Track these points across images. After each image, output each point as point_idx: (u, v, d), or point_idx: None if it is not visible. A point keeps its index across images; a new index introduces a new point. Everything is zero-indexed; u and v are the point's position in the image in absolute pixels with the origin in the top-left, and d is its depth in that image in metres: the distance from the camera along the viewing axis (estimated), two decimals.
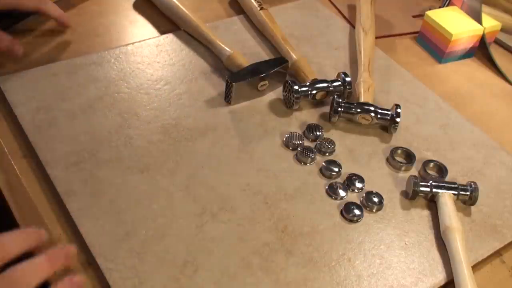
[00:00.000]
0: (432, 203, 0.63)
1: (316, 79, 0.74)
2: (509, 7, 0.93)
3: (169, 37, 0.82)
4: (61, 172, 0.60)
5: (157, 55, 0.78)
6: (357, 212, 0.60)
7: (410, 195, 0.62)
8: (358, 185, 0.63)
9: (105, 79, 0.72)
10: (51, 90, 0.70)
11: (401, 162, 0.67)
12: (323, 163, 0.65)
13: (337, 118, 0.70)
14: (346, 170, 0.65)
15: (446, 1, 0.93)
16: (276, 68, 0.73)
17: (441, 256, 0.57)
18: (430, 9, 0.91)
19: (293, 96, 0.70)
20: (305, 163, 0.65)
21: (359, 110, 0.70)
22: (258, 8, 0.85)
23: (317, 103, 0.74)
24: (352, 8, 0.94)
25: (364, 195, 0.62)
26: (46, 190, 0.59)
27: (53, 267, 0.48)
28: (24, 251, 0.48)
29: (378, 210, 0.61)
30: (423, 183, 0.62)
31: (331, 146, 0.67)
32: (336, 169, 0.64)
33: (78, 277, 0.48)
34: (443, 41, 0.85)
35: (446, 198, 0.61)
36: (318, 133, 0.69)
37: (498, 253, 0.60)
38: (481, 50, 0.88)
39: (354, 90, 0.74)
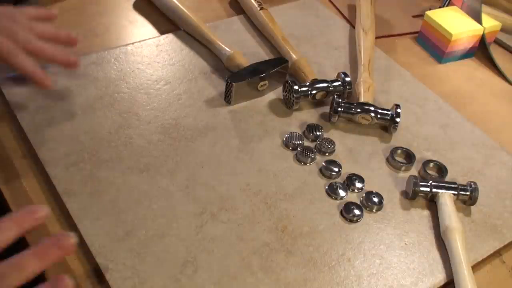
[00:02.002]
0: (432, 203, 0.63)
1: (316, 79, 0.74)
2: (509, 7, 0.93)
3: (169, 37, 0.82)
4: (61, 172, 0.60)
5: (157, 55, 0.78)
6: (357, 212, 0.60)
7: (410, 195, 0.62)
8: (358, 185, 0.63)
9: (105, 79, 0.72)
10: (51, 90, 0.70)
11: (401, 162, 0.67)
12: (323, 163, 0.65)
13: (337, 118, 0.70)
14: (346, 170, 0.65)
15: (446, 1, 0.93)
16: (276, 68, 0.73)
17: (441, 256, 0.57)
18: (430, 9, 0.91)
19: (293, 96, 0.70)
20: (305, 163, 0.65)
21: (359, 110, 0.70)
22: (258, 8, 0.85)
23: (317, 103, 0.74)
24: (352, 8, 0.94)
25: (364, 195, 0.62)
26: (46, 190, 0.59)
27: (43, 264, 0.43)
28: (17, 237, 0.44)
29: (378, 210, 0.61)
30: (423, 183, 0.62)
31: (331, 146, 0.67)
32: (336, 169, 0.64)
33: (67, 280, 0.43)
34: (443, 41, 0.85)
35: (446, 198, 0.61)
36: (318, 133, 0.69)
37: (498, 253, 0.60)
38: (481, 50, 0.88)
39: (354, 90, 0.74)
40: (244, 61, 0.75)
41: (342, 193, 0.62)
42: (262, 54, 0.82)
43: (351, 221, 0.60)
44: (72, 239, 0.44)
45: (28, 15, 0.67)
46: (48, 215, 0.46)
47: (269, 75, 0.72)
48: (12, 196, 0.58)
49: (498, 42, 0.91)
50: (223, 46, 0.77)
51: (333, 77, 0.75)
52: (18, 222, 0.44)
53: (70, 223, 0.56)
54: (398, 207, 0.62)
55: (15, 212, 0.45)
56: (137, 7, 0.89)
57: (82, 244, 0.54)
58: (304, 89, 0.71)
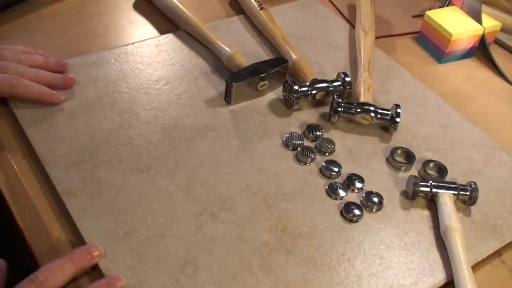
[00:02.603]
0: (432, 203, 0.63)
1: (316, 79, 0.74)
2: (509, 7, 0.93)
3: (169, 37, 0.82)
4: (61, 172, 0.60)
5: (157, 55, 0.78)
6: (357, 212, 0.60)
7: (410, 195, 0.62)
8: (358, 185, 0.63)
9: (105, 79, 0.72)
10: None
11: (401, 162, 0.67)
12: (323, 163, 0.65)
13: (337, 118, 0.70)
14: (346, 170, 0.65)
15: (446, 1, 0.93)
16: (276, 68, 0.73)
17: (441, 256, 0.57)
18: (430, 9, 0.91)
19: (293, 96, 0.70)
20: (305, 163, 0.65)
21: (359, 110, 0.70)
22: (258, 8, 0.85)
23: (317, 103, 0.74)
24: (352, 8, 0.94)
25: (364, 195, 0.62)
26: (46, 190, 0.59)
27: None
28: (73, 277, 0.49)
29: (378, 210, 0.61)
30: (423, 183, 0.62)
31: (331, 146, 0.67)
32: (336, 169, 0.64)
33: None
34: (443, 41, 0.85)
35: (446, 198, 0.61)
36: (318, 133, 0.69)
37: (498, 253, 0.60)
38: (481, 50, 0.88)
39: (354, 90, 0.74)
40: (244, 61, 0.75)
41: (342, 193, 0.62)
42: (262, 54, 0.82)
43: (351, 221, 0.60)
44: (121, 283, 0.50)
45: (15, 50, 0.70)
46: (102, 255, 0.52)
47: (269, 75, 0.72)
48: (12, 196, 0.58)
49: (498, 42, 0.91)
50: (223, 46, 0.77)
51: (333, 77, 0.75)
52: (74, 262, 0.50)
53: (70, 223, 0.56)
54: (398, 207, 0.62)
55: (72, 252, 0.50)
56: (137, 7, 0.89)
57: (82, 244, 0.54)
58: (304, 89, 0.71)
